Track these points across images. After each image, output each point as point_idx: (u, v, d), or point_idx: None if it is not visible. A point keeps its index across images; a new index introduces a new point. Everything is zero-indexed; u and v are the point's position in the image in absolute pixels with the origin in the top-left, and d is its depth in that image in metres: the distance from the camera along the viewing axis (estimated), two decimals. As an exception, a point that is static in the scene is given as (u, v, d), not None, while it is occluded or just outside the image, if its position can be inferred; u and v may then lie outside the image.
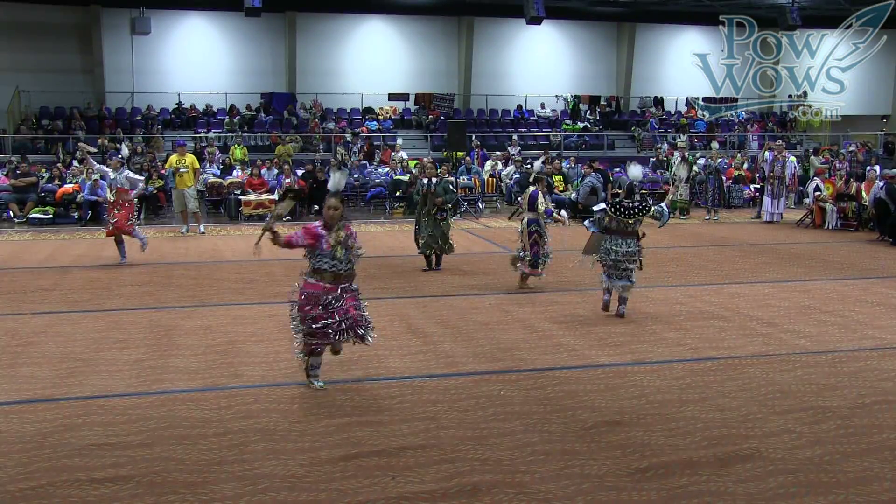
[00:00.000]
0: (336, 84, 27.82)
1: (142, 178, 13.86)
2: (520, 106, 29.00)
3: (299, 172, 19.98)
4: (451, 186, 12.52)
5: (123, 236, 12.57)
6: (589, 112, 28.92)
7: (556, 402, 6.20)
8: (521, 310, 9.32)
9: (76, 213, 17.77)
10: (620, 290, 8.93)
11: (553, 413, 5.98)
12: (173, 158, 16.55)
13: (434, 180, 11.83)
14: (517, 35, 29.01)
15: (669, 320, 8.84)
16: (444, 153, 22.41)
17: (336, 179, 6.54)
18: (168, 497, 4.65)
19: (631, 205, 8.88)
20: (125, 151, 13.92)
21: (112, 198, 12.67)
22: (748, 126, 29.43)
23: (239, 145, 23.26)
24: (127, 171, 12.97)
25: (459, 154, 21.23)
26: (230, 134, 24.53)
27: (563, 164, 21.67)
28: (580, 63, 30.44)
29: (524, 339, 8.08)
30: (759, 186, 20.38)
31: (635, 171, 9.32)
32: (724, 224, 18.06)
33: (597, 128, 28.43)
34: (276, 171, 20.12)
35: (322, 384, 6.50)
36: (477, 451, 5.27)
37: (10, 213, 17.97)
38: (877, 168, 17.53)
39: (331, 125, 26.00)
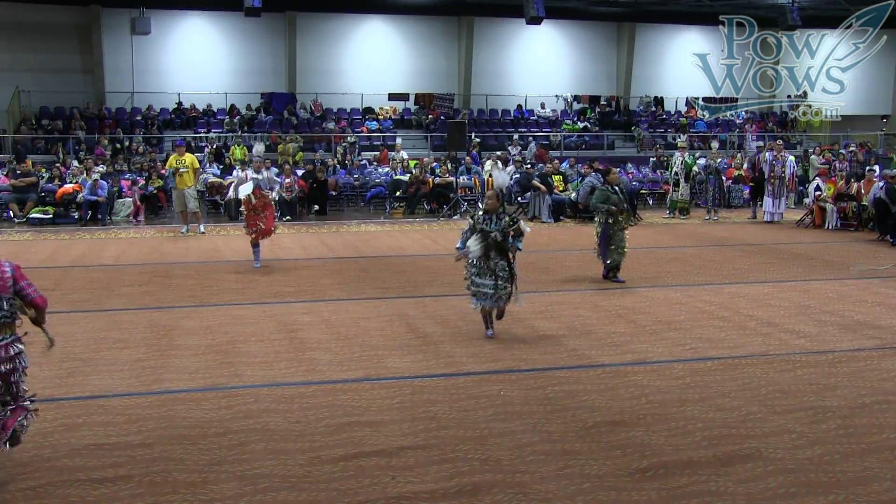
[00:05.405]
0: (336, 84, 27.82)
1: (279, 180, 12.85)
2: (520, 106, 29.00)
3: (299, 172, 19.97)
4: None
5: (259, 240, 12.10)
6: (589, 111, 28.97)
7: (556, 402, 6.20)
8: (521, 310, 9.30)
9: (76, 213, 17.77)
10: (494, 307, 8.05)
11: (553, 413, 5.98)
12: (173, 158, 16.53)
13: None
14: (517, 35, 29.01)
15: (669, 320, 8.83)
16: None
17: None
18: (168, 497, 4.65)
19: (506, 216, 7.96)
20: (260, 148, 13.14)
21: (253, 200, 11.85)
22: (745, 126, 29.40)
23: (239, 145, 23.26)
24: (272, 169, 12.33)
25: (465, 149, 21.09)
26: (230, 134, 24.52)
27: (563, 165, 21.67)
28: (580, 63, 30.44)
29: (524, 339, 8.07)
30: (752, 186, 20.21)
31: (500, 178, 8.59)
32: (724, 224, 18.05)
33: (596, 128, 28.43)
34: (275, 170, 20.09)
35: None
36: (477, 451, 5.27)
37: (10, 213, 17.96)
38: (876, 168, 17.50)
39: (331, 125, 25.99)
